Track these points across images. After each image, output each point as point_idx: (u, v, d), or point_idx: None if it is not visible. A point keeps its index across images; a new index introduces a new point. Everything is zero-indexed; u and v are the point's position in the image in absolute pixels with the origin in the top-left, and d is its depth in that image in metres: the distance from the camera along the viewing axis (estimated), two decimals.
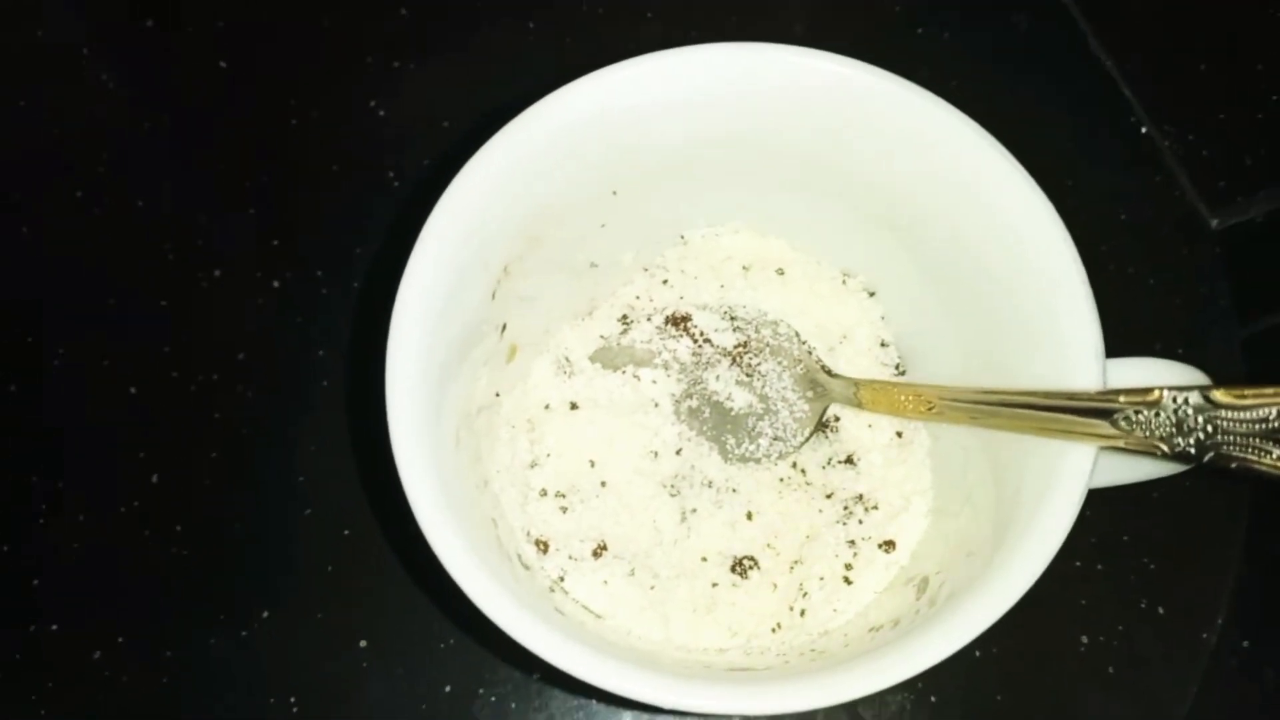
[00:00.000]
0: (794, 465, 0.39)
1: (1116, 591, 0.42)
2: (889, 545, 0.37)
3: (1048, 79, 0.50)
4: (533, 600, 0.30)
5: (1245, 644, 0.42)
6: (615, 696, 0.39)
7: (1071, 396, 0.30)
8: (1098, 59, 0.51)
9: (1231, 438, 0.27)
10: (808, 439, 0.39)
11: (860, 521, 0.38)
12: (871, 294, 0.40)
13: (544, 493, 0.38)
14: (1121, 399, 0.29)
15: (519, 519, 0.37)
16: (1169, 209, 0.48)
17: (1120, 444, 0.29)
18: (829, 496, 0.38)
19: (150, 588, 0.41)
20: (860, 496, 0.38)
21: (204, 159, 0.47)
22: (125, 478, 0.43)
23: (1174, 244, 0.48)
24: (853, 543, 0.37)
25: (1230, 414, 0.27)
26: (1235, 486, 0.43)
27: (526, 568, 0.35)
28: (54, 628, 0.41)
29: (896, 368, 0.40)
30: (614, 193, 0.37)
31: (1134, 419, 0.29)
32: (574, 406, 0.39)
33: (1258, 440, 0.27)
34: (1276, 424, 0.26)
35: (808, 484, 0.39)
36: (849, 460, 0.39)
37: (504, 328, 0.37)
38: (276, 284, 0.45)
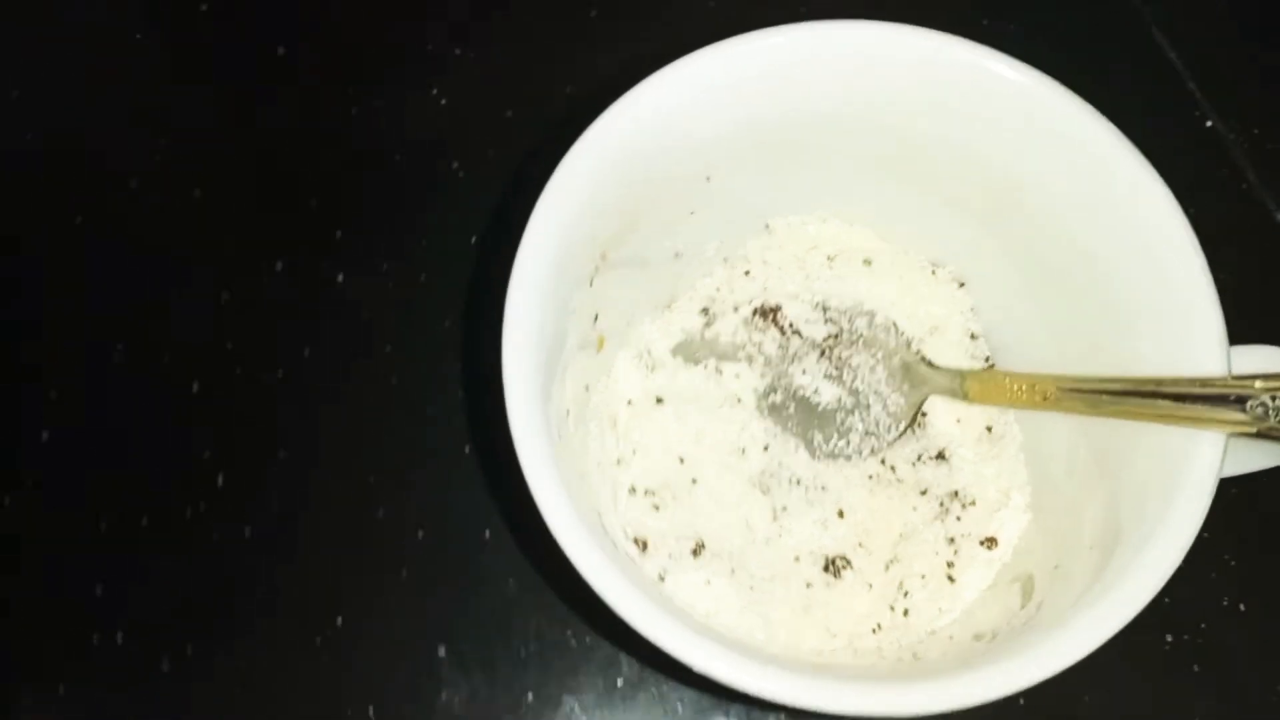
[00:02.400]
0: (883, 462, 0.38)
1: (1198, 589, 0.41)
2: (990, 542, 0.36)
3: (1112, 73, 0.50)
4: (647, 589, 0.30)
5: None
6: (703, 704, 0.38)
7: (1203, 383, 0.29)
8: (1162, 51, 0.50)
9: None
10: (902, 433, 0.38)
11: (958, 518, 0.37)
12: (961, 284, 0.39)
13: (633, 490, 0.37)
14: (1257, 384, 0.28)
15: (614, 516, 0.36)
16: (1235, 203, 0.48)
17: (1253, 430, 0.29)
18: (923, 493, 0.38)
19: (219, 595, 0.40)
20: (956, 493, 0.37)
21: (264, 148, 0.46)
22: (190, 480, 0.41)
23: (1242, 237, 0.47)
24: (952, 540, 0.37)
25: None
26: None
27: (632, 561, 0.34)
28: (119, 638, 0.40)
29: (987, 360, 0.39)
30: (708, 179, 0.36)
31: (1270, 405, 0.28)
32: (659, 401, 0.38)
33: None
34: None
35: (899, 481, 0.38)
36: (940, 456, 0.38)
37: (596, 317, 0.36)
38: (341, 277, 0.44)
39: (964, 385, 0.36)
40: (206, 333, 0.43)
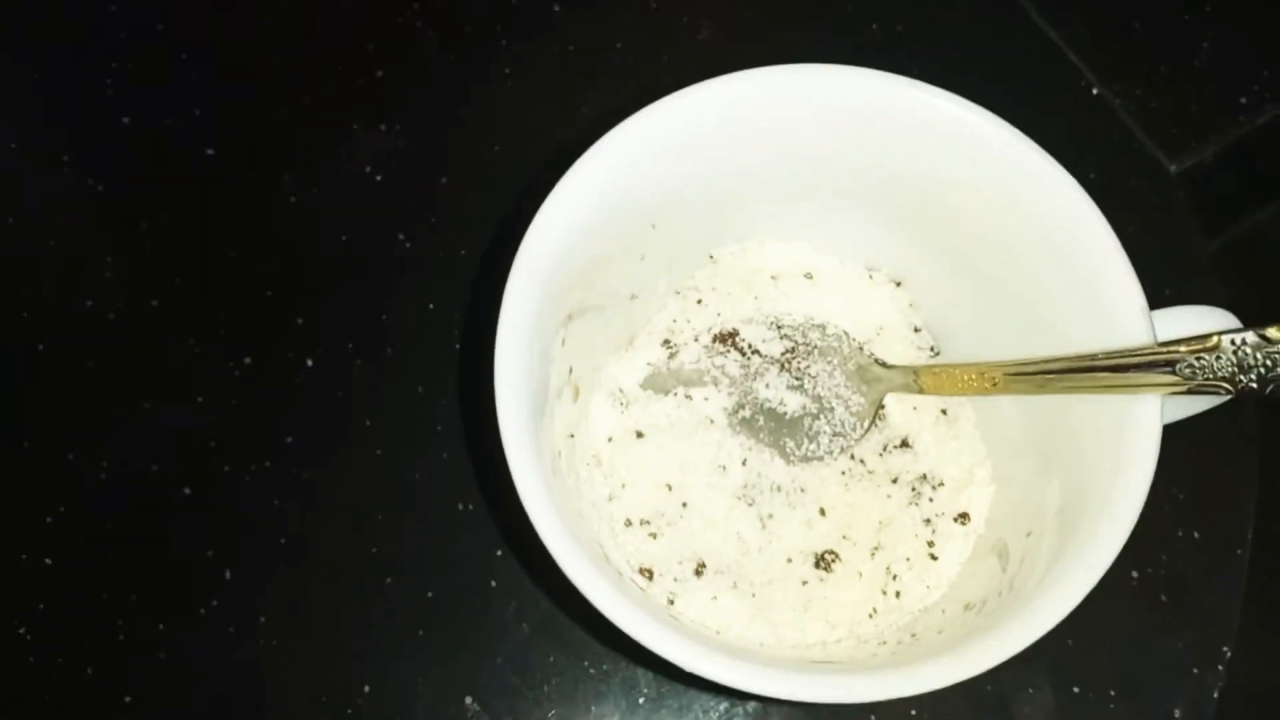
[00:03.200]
0: (853, 457, 0.41)
1: (1154, 525, 0.45)
2: (964, 517, 0.39)
3: (999, 55, 0.53)
4: (658, 613, 0.32)
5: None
6: (721, 707, 0.41)
7: (1134, 353, 0.32)
8: (1042, 30, 0.54)
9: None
10: (867, 430, 0.41)
11: (930, 499, 0.40)
12: (898, 284, 0.42)
13: (629, 522, 0.39)
14: (1183, 349, 0.31)
15: (616, 551, 0.38)
16: (1131, 161, 0.52)
17: (1184, 390, 0.32)
18: (894, 481, 0.41)
19: (244, 684, 0.42)
20: (924, 476, 0.40)
21: (211, 249, 0.47)
22: (198, 579, 0.43)
23: (1141, 193, 0.51)
24: (929, 520, 0.39)
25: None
26: (1241, 411, 0.46)
27: (641, 590, 0.36)
28: None
29: (931, 349, 0.42)
30: (653, 226, 0.39)
31: (1196, 365, 0.31)
32: (639, 435, 0.41)
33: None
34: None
35: (870, 473, 0.41)
36: (904, 444, 0.41)
37: (570, 370, 0.38)
38: (310, 362, 0.46)
39: (918, 380, 0.39)
40: (189, 436, 0.44)
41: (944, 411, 0.41)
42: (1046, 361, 0.35)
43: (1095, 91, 0.53)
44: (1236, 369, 0.31)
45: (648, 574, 0.38)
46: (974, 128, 0.35)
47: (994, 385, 0.36)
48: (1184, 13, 0.54)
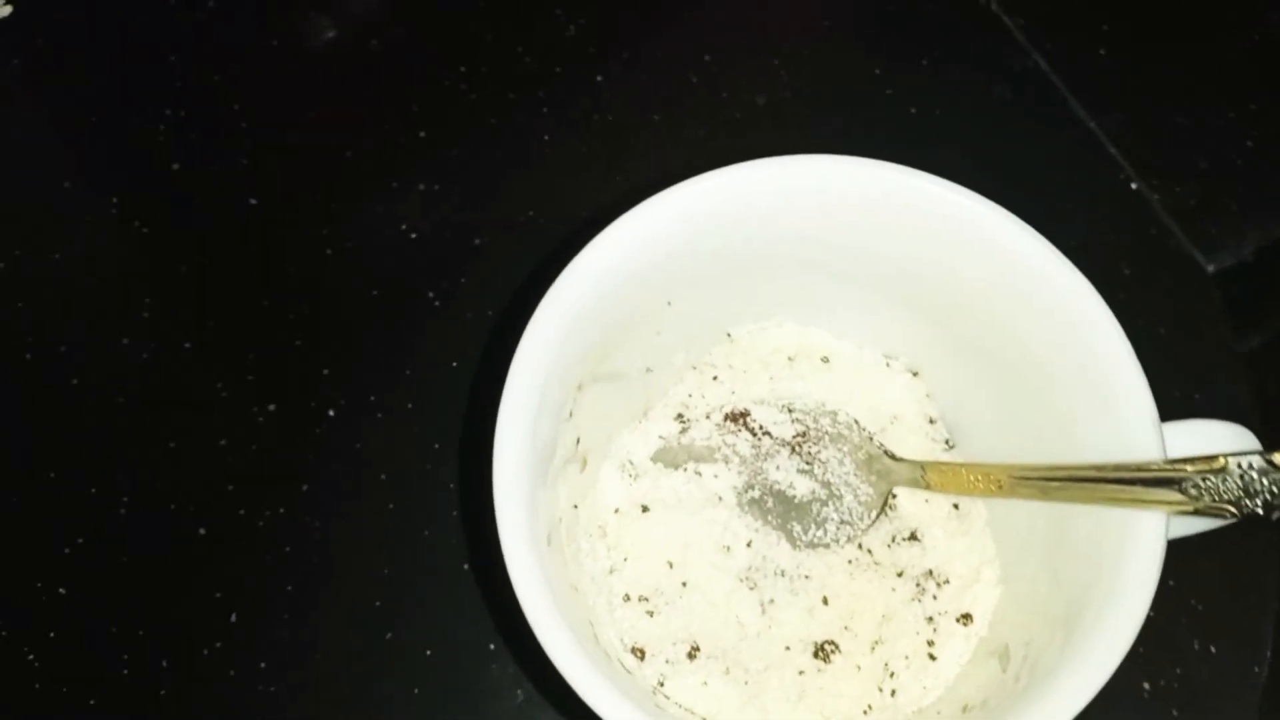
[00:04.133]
0: (860, 546, 0.41)
1: (1170, 636, 0.44)
2: (966, 618, 0.39)
3: (1038, 145, 0.53)
4: (640, 699, 0.32)
5: None
6: None
7: (1139, 469, 0.32)
8: (1082, 120, 0.54)
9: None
10: (874, 521, 0.40)
11: (934, 597, 0.39)
12: (915, 374, 0.42)
13: (627, 598, 0.39)
14: (1189, 469, 0.31)
15: (610, 627, 0.38)
16: (1167, 259, 0.51)
17: (1189, 509, 0.31)
18: (900, 574, 0.40)
19: None
20: (930, 571, 0.40)
21: (245, 295, 0.49)
22: (204, 620, 0.43)
23: (1176, 291, 0.51)
24: (931, 619, 0.39)
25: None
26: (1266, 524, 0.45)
27: (629, 672, 0.36)
28: None
29: (946, 442, 0.42)
30: (669, 303, 0.39)
31: (1202, 486, 0.31)
32: (645, 509, 0.41)
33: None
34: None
35: (876, 564, 0.41)
36: (913, 536, 0.41)
37: (578, 440, 0.39)
38: (332, 412, 0.46)
39: (925, 476, 0.39)
40: (208, 478, 0.45)
41: (956, 506, 0.41)
42: (1052, 469, 0.34)
43: (1134, 185, 0.52)
44: (1242, 493, 0.30)
45: (640, 654, 0.38)
46: (990, 225, 0.35)
47: (999, 488, 0.36)
48: (1228, 109, 0.54)
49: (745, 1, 0.57)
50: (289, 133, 0.52)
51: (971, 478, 0.37)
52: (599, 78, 0.53)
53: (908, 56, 0.55)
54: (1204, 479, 0.31)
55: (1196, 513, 0.31)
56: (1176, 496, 0.31)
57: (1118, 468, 0.32)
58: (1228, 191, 0.53)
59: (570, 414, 0.37)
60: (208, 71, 0.53)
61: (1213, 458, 0.31)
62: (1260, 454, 0.30)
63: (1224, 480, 0.30)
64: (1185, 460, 0.31)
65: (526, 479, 0.33)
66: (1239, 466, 0.30)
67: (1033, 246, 0.35)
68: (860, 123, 0.53)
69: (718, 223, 0.37)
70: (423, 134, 0.52)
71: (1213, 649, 0.44)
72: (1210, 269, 0.51)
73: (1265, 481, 0.30)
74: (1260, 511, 0.30)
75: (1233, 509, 0.30)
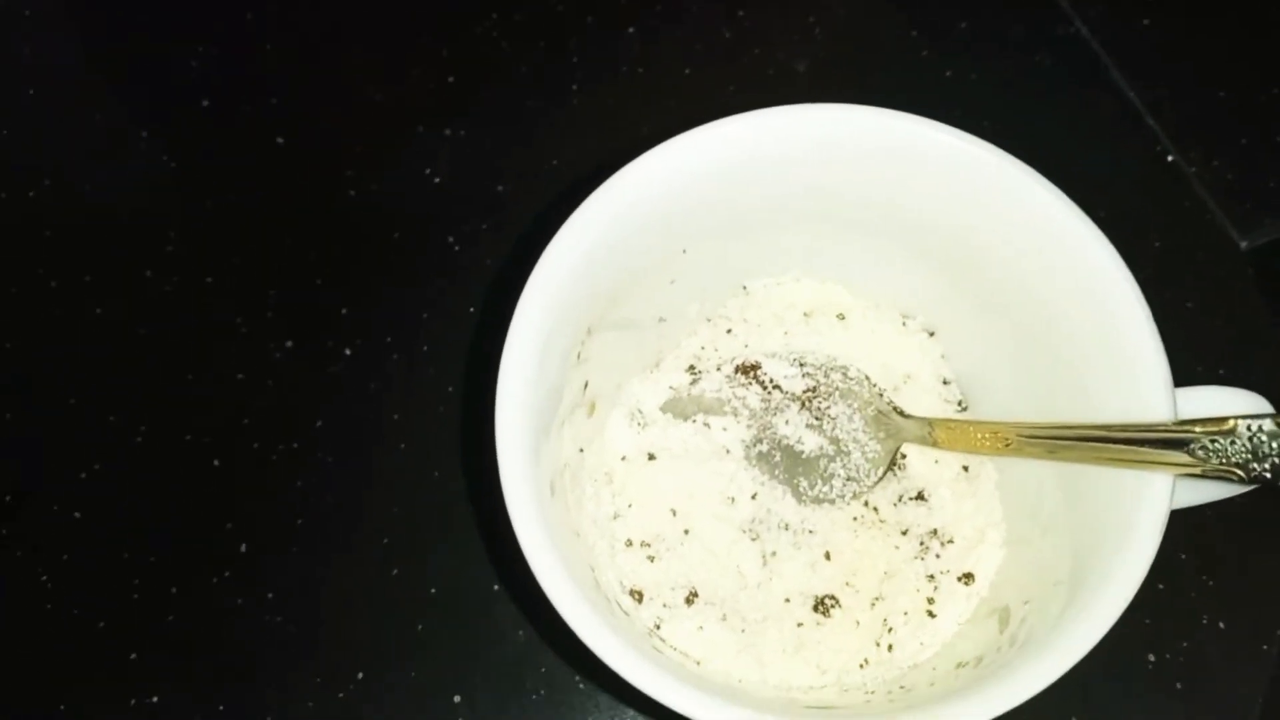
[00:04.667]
0: (866, 504, 0.41)
1: (1178, 609, 0.43)
2: (968, 578, 0.38)
3: (1075, 113, 0.52)
4: (636, 641, 0.32)
5: None
6: None
7: (1148, 429, 0.31)
8: (1121, 90, 0.53)
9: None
10: (881, 478, 0.40)
11: (938, 556, 0.39)
12: (931, 334, 0.42)
13: (629, 543, 0.39)
14: (1198, 429, 0.30)
15: (611, 569, 0.38)
16: (1200, 233, 0.50)
17: (1197, 472, 0.31)
18: (904, 533, 0.40)
19: (247, 656, 0.43)
20: (935, 531, 0.40)
21: (269, 234, 0.49)
22: (214, 549, 0.44)
23: (1208, 266, 0.50)
24: (932, 577, 0.39)
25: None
26: None
27: (626, 614, 0.36)
28: (154, 699, 0.42)
29: (959, 404, 0.41)
30: (684, 251, 0.39)
31: (1210, 448, 0.30)
32: (651, 457, 0.41)
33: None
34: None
35: (881, 522, 0.40)
36: (920, 496, 0.40)
37: (586, 385, 0.39)
38: (348, 351, 0.47)
39: (933, 434, 0.38)
40: (225, 411, 0.46)
41: (965, 468, 0.41)
42: (1061, 428, 0.34)
43: (1170, 158, 0.51)
44: (1250, 455, 0.30)
45: (638, 596, 0.38)
46: (1009, 179, 0.35)
47: (1006, 446, 0.35)
48: (1273, 85, 0.52)
49: None
50: (320, 75, 0.53)
51: (979, 435, 0.36)
52: (631, 29, 0.53)
53: (946, 19, 0.54)
54: (1212, 441, 0.30)
55: (1204, 475, 0.31)
56: (1184, 458, 0.31)
57: (1126, 428, 0.32)
58: (1266, 168, 0.51)
59: (579, 358, 0.37)
60: (241, 9, 0.53)
61: (1222, 420, 0.30)
62: (1272, 417, 0.29)
63: (1232, 443, 0.30)
64: (1194, 421, 0.31)
65: (529, 426, 0.33)
66: (1248, 429, 0.30)
67: (1051, 201, 0.34)
68: (894, 83, 0.52)
69: (731, 170, 0.36)
70: (452, 79, 0.52)
71: (1221, 625, 0.43)
72: (1244, 245, 0.50)
73: (1275, 445, 0.29)
74: (1268, 475, 0.29)
75: (1240, 472, 0.30)
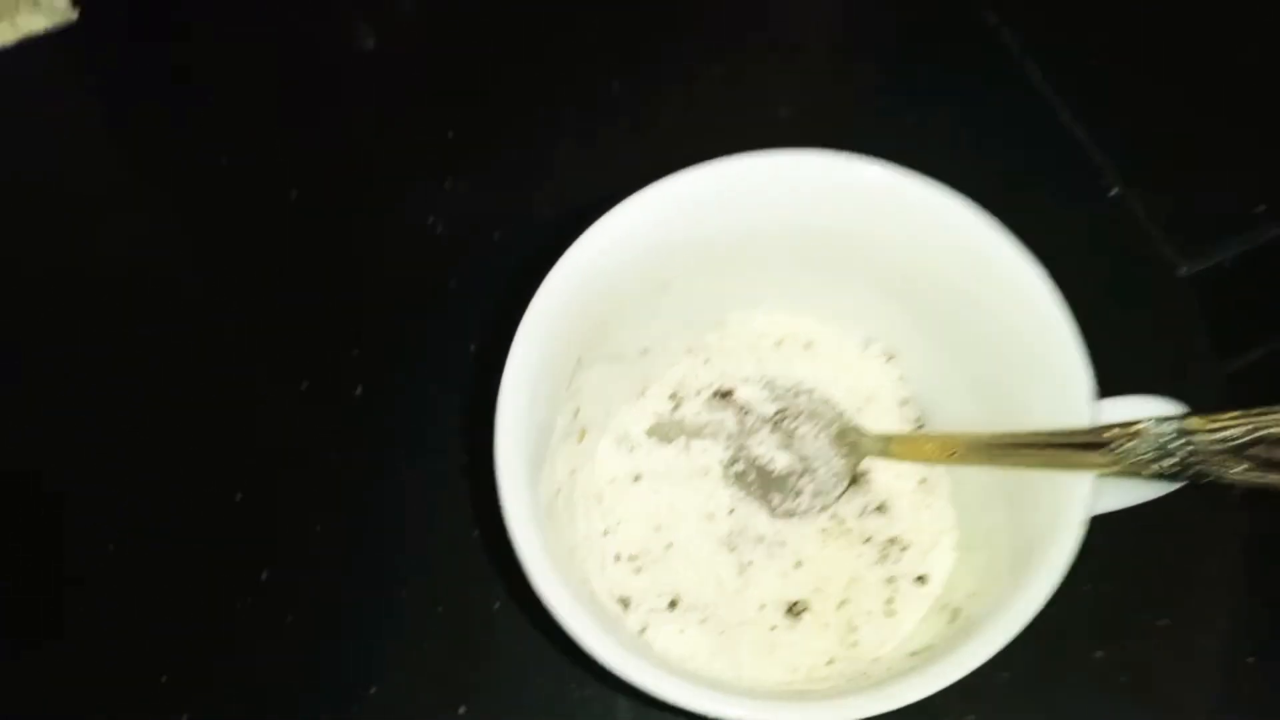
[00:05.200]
0: (833, 516, 0.44)
1: (1124, 610, 0.47)
2: (923, 579, 0.42)
3: (1024, 151, 0.56)
4: (627, 642, 0.35)
5: (1250, 653, 0.46)
6: None
7: (1069, 434, 0.35)
8: (1071, 130, 0.57)
9: (1205, 456, 0.32)
10: (844, 492, 0.44)
11: (896, 561, 0.43)
12: (890, 358, 0.46)
13: (618, 557, 0.43)
14: (1111, 432, 0.34)
15: (602, 581, 0.42)
16: (1145, 262, 0.54)
17: (1114, 471, 0.34)
18: (866, 541, 0.44)
19: (269, 676, 0.46)
20: (894, 539, 0.43)
21: (281, 284, 0.53)
22: (238, 578, 0.48)
23: (1152, 293, 0.53)
24: (891, 579, 0.42)
25: (1202, 437, 0.32)
26: (1229, 508, 0.48)
27: (615, 620, 0.40)
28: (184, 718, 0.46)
29: (917, 422, 0.45)
30: (666, 287, 0.43)
31: (1123, 449, 0.34)
32: (637, 479, 0.45)
33: (1226, 456, 0.32)
34: (1240, 442, 0.32)
35: (847, 531, 0.44)
36: (881, 508, 0.44)
37: (577, 412, 0.43)
38: (359, 390, 0.51)
39: (890, 447, 0.42)
40: (247, 447, 0.50)
41: (923, 480, 0.44)
42: (998, 436, 0.38)
43: (1114, 191, 0.55)
44: (1158, 454, 0.33)
45: (625, 603, 0.42)
46: (950, 213, 0.38)
47: (952, 455, 0.39)
48: (1214, 119, 0.57)
49: (754, 13, 0.61)
50: (324, 132, 0.57)
51: (929, 447, 0.40)
52: (615, 83, 0.58)
53: (904, 64, 0.59)
54: (1124, 442, 0.34)
55: (1121, 474, 0.34)
56: (1100, 459, 0.34)
57: (1052, 434, 0.36)
58: (1207, 199, 0.55)
59: (571, 389, 0.41)
60: (244, 74, 0.58)
61: (1132, 423, 0.34)
62: (1178, 418, 0.33)
63: (1142, 443, 0.34)
64: (1109, 425, 0.34)
65: (526, 455, 0.37)
66: (1156, 431, 0.33)
67: (988, 234, 0.38)
68: (855, 127, 0.56)
69: (705, 213, 0.41)
70: (450, 134, 0.56)
71: (1168, 621, 0.46)
72: (1184, 271, 0.54)
73: (1178, 444, 0.33)
74: (1174, 470, 0.33)
75: (1148, 469, 0.33)
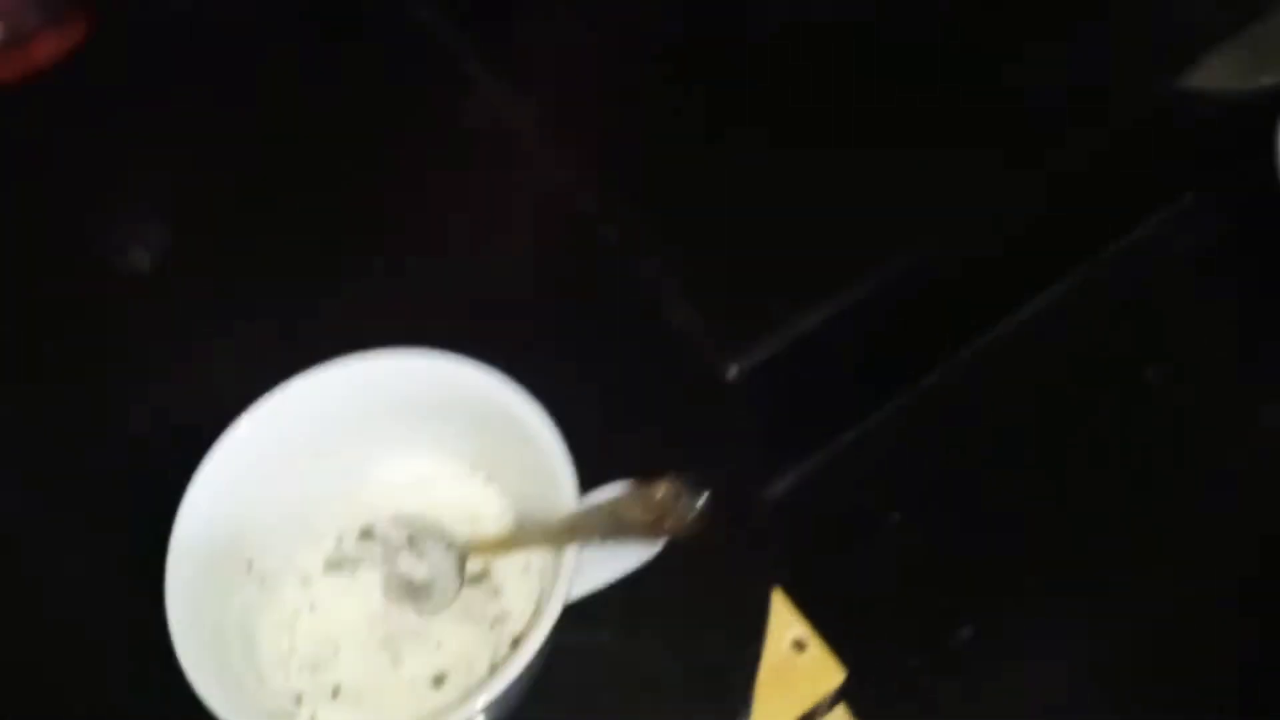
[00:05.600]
0: (466, 606, 0.60)
1: (654, 658, 0.61)
2: (517, 640, 0.58)
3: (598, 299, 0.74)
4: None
5: None
6: None
7: (563, 519, 0.52)
8: (630, 265, 0.75)
9: (626, 522, 0.50)
10: (460, 588, 0.59)
11: (505, 629, 0.58)
12: (489, 479, 0.62)
13: (300, 668, 0.58)
14: (585, 512, 0.51)
15: (283, 684, 0.57)
16: (696, 372, 0.71)
17: (592, 539, 0.51)
18: (489, 619, 0.59)
19: None
20: (505, 613, 0.59)
21: None
22: None
23: (705, 398, 0.71)
24: (498, 645, 0.58)
25: (622, 507, 0.50)
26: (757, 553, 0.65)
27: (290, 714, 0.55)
28: None
29: (517, 522, 0.61)
30: (305, 472, 0.58)
31: (589, 524, 0.51)
32: (312, 608, 0.60)
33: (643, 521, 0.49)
34: (648, 512, 0.49)
35: (475, 615, 0.60)
36: (497, 592, 0.60)
37: (250, 564, 0.58)
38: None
39: (476, 547, 0.58)
40: None
41: (527, 566, 0.60)
42: (535, 525, 0.55)
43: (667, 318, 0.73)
44: (608, 526, 0.50)
45: (299, 699, 0.56)
46: (472, 379, 0.56)
47: (509, 546, 0.56)
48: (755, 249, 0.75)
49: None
50: None
51: (503, 539, 0.57)
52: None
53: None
54: (589, 518, 0.51)
55: (604, 540, 0.51)
56: (581, 532, 0.51)
57: (560, 520, 0.52)
58: (747, 317, 0.73)
59: (245, 561, 0.57)
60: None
61: (597, 504, 0.51)
62: (605, 501, 0.50)
63: (599, 518, 0.50)
64: (588, 509, 0.51)
65: (201, 598, 0.52)
66: (599, 509, 0.50)
67: (499, 388, 0.56)
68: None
69: (318, 414, 0.57)
70: None
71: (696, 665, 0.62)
72: (733, 373, 0.71)
73: (607, 516, 0.50)
74: (609, 537, 0.50)
75: (611, 535, 0.50)
